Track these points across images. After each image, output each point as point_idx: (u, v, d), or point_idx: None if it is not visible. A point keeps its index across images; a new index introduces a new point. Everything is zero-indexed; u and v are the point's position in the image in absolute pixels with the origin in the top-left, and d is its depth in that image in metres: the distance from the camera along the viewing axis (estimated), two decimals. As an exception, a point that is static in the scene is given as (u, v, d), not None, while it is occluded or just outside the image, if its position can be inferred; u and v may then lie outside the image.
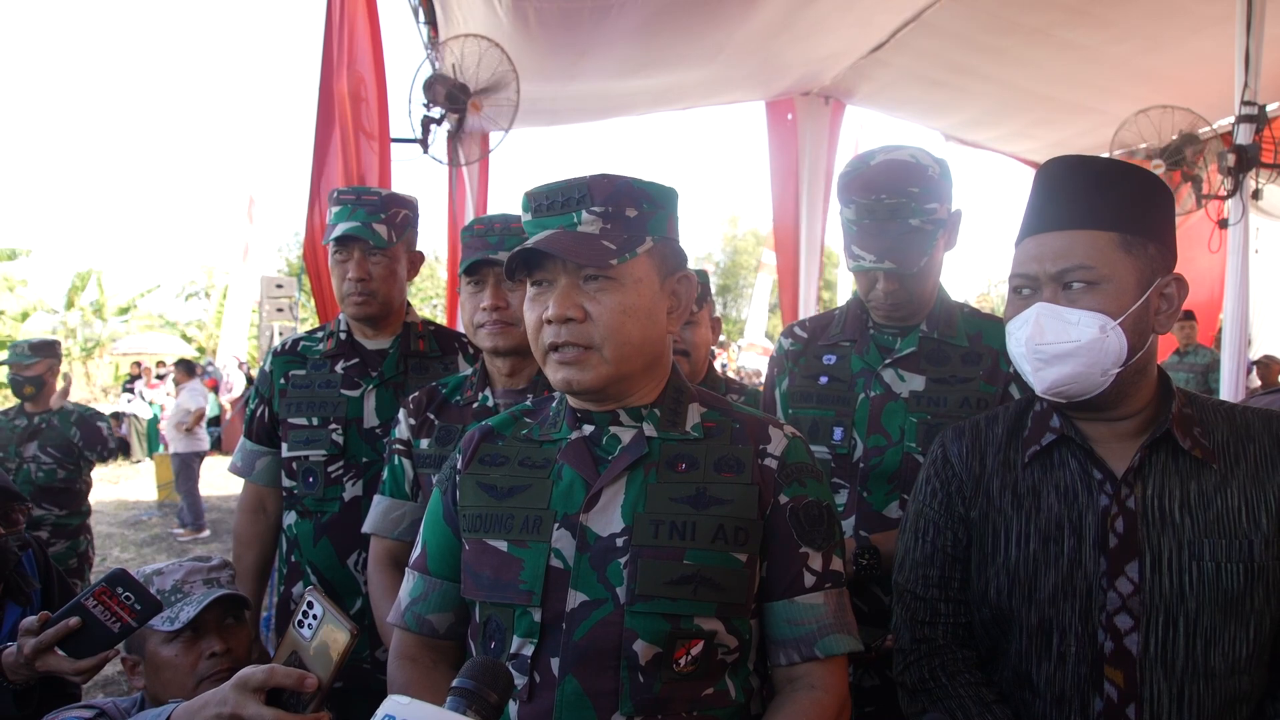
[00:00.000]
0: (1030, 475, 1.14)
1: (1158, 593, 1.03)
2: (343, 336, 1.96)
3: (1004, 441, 1.18)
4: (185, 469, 7.93)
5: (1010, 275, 1.12)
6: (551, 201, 1.06)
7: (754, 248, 27.70)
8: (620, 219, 1.04)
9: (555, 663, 1.01)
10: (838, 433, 1.59)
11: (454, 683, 0.81)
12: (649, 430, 1.08)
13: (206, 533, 7.79)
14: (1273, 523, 1.04)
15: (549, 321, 1.04)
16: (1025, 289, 1.09)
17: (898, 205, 1.48)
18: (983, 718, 1.09)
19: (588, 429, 1.10)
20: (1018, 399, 1.25)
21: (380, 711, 0.74)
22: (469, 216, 4.95)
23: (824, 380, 1.65)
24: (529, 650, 1.03)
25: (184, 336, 22.70)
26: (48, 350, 4.24)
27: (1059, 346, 1.04)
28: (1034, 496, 1.12)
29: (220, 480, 9.66)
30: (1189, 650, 1.02)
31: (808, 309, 6.31)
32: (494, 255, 1.57)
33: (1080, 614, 1.06)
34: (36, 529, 3.96)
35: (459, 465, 1.17)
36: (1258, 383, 6.42)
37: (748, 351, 15.63)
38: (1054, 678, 1.08)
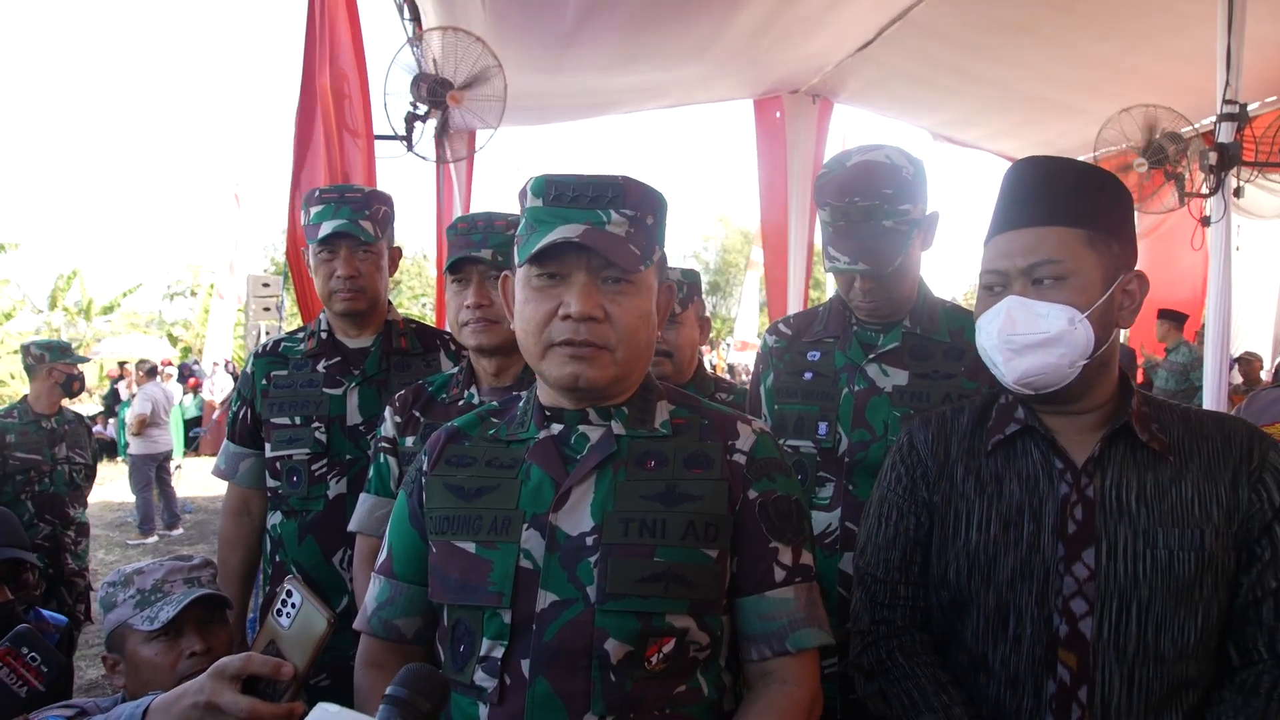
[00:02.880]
0: (993, 463, 1.17)
1: (1112, 579, 1.07)
2: (324, 336, 1.96)
3: (969, 430, 1.22)
4: (136, 471, 7.86)
5: (981, 273, 1.15)
6: (579, 194, 1.02)
7: (743, 246, 27.76)
8: (643, 225, 1.04)
9: (526, 664, 1.00)
10: (822, 427, 1.61)
11: (387, 690, 0.80)
12: (617, 428, 1.08)
13: (154, 538, 7.72)
14: (1222, 515, 1.08)
15: (566, 317, 1.01)
16: (996, 285, 1.12)
17: (871, 207, 1.51)
18: (938, 697, 1.11)
19: (556, 428, 1.09)
20: (984, 393, 1.28)
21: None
22: (456, 214, 4.94)
23: (808, 376, 1.66)
24: (499, 652, 1.01)
25: (170, 336, 22.55)
26: None
27: (1030, 337, 1.07)
28: (996, 483, 1.16)
29: (204, 481, 9.60)
30: (1140, 635, 1.05)
31: (795, 307, 6.33)
32: (477, 253, 1.57)
33: (1037, 597, 1.09)
34: (69, 528, 4.01)
35: (425, 467, 1.15)
36: (1239, 379, 6.49)
37: (739, 351, 15.67)
38: (1009, 660, 1.11)
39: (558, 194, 1.03)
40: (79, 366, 4.15)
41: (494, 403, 1.21)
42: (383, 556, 1.17)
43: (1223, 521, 1.07)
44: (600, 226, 1.01)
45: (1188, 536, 1.06)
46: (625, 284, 1.02)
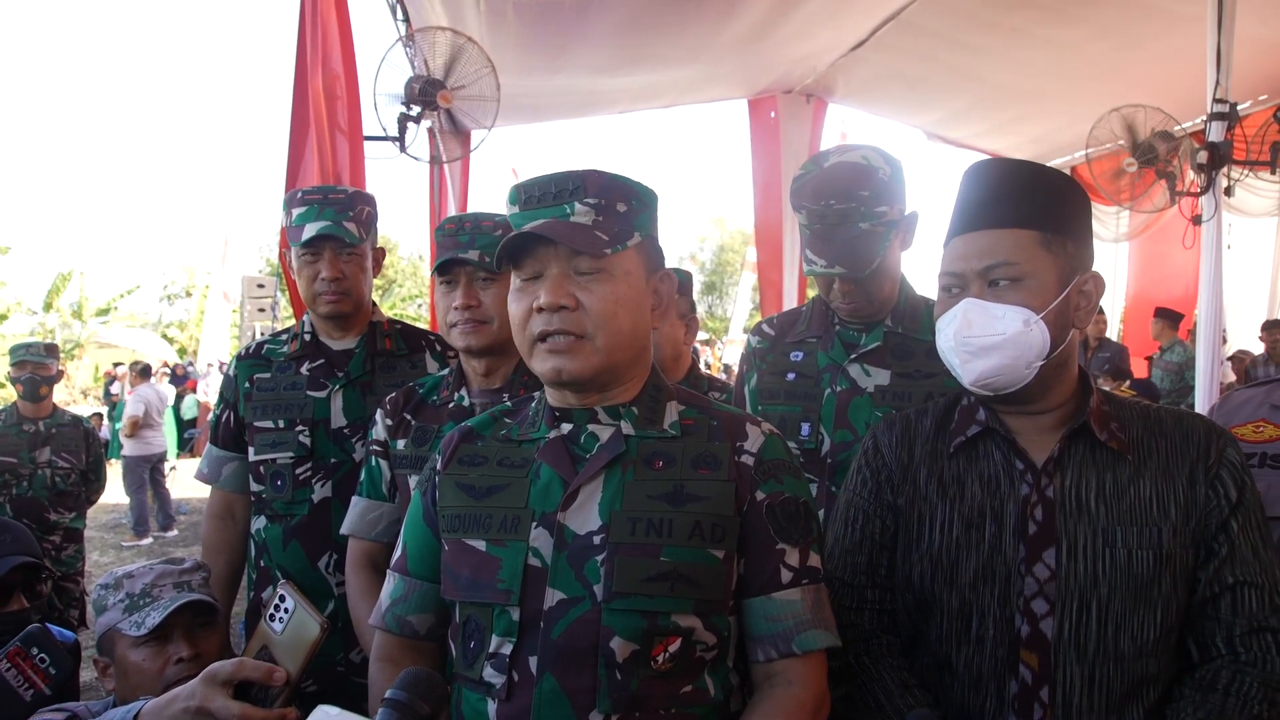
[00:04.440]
0: (956, 465, 1.18)
1: (1073, 578, 1.07)
2: (307, 338, 1.94)
3: (932, 433, 1.23)
4: (130, 473, 7.84)
5: (939, 275, 1.16)
6: (544, 193, 1.06)
7: (740, 246, 27.77)
8: (612, 213, 1.05)
9: (533, 661, 1.01)
10: (805, 428, 1.61)
11: (386, 694, 0.81)
12: (627, 428, 1.09)
13: (148, 540, 7.71)
14: (1180, 513, 1.09)
15: (540, 310, 1.04)
16: (954, 287, 1.13)
17: (847, 210, 1.50)
18: (904, 699, 1.12)
19: (566, 428, 1.11)
20: (947, 395, 1.29)
21: None
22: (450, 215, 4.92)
23: (791, 377, 1.66)
24: (507, 649, 1.02)
25: (165, 337, 22.51)
26: (57, 352, 4.29)
27: (986, 339, 1.08)
28: (958, 485, 1.17)
29: (198, 482, 9.57)
30: (1100, 634, 1.06)
31: (791, 307, 6.33)
32: (464, 254, 1.57)
33: (999, 598, 1.10)
34: (51, 534, 3.97)
35: (438, 466, 1.17)
36: (1232, 377, 6.50)
37: (731, 347, 15.70)
38: (972, 661, 1.12)
39: (527, 197, 1.08)
40: (30, 367, 4.07)
41: (507, 403, 1.23)
42: (397, 554, 1.19)
43: (1180, 519, 1.08)
44: (565, 218, 1.04)
45: (1146, 535, 1.07)
46: (598, 272, 1.04)
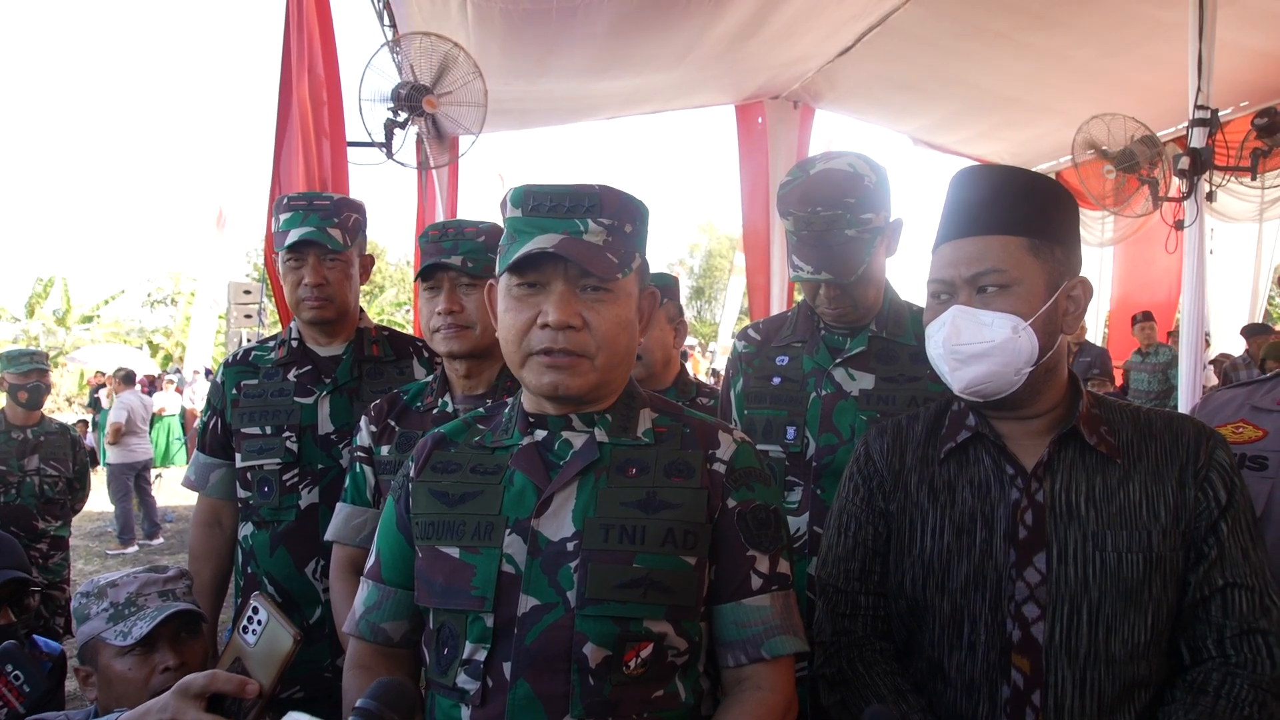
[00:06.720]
0: (946, 470, 1.18)
1: (1063, 582, 1.07)
2: (294, 344, 1.94)
3: (923, 439, 1.23)
4: (114, 481, 7.76)
5: (928, 282, 1.16)
6: (556, 204, 1.04)
7: (729, 251, 27.88)
8: (620, 233, 1.05)
9: (507, 667, 1.01)
10: (790, 432, 1.61)
11: (357, 703, 0.82)
12: (600, 435, 1.09)
13: (134, 548, 7.65)
14: (1170, 515, 1.09)
15: (544, 326, 1.03)
16: (942, 294, 1.14)
17: (834, 217, 1.51)
18: (897, 705, 1.12)
19: (539, 434, 1.10)
20: (938, 400, 1.29)
21: None
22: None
23: (777, 381, 1.67)
24: (482, 655, 1.03)
25: (150, 344, 22.34)
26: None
27: (974, 346, 1.08)
28: (949, 491, 1.17)
29: (185, 489, 9.50)
30: (1091, 637, 1.06)
31: (777, 312, 6.35)
32: (447, 260, 1.58)
33: (990, 603, 1.10)
34: (39, 541, 3.95)
35: (411, 473, 1.16)
36: (1214, 380, 6.57)
37: (723, 356, 15.72)
38: (965, 666, 1.12)
39: (535, 204, 1.05)
40: (35, 375, 4.09)
41: (481, 409, 1.22)
42: (371, 561, 1.18)
43: (1170, 521, 1.08)
44: (577, 235, 1.03)
45: (1136, 538, 1.07)
46: (604, 292, 1.04)
